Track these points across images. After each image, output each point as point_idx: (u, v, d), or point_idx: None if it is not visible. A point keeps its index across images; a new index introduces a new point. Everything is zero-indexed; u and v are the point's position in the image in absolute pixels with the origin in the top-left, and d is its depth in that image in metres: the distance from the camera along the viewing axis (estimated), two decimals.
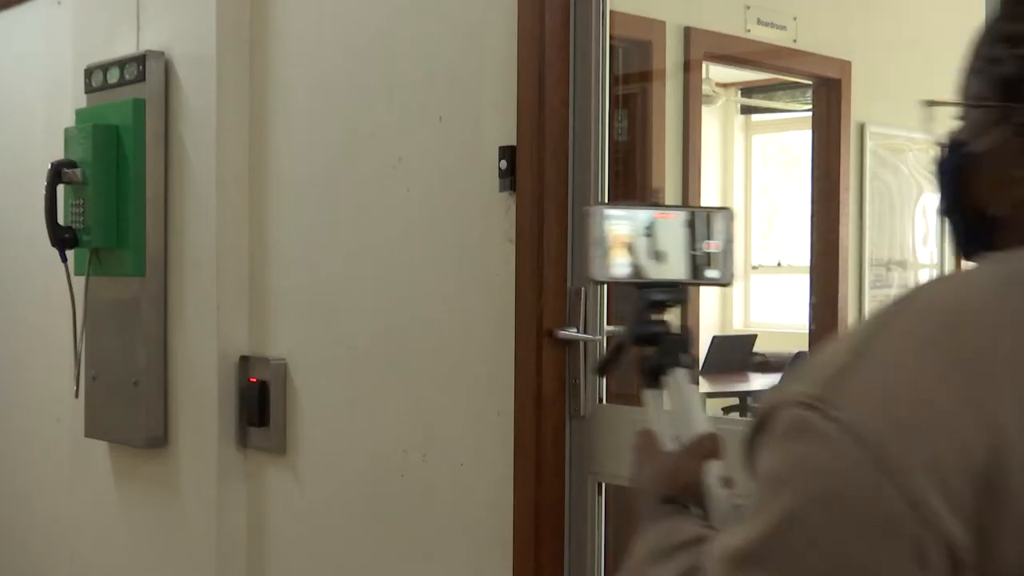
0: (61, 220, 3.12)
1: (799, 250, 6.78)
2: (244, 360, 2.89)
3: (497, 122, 2.36)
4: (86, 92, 3.22)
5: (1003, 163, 0.90)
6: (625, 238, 1.27)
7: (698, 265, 1.31)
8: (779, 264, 7.54)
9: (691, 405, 1.26)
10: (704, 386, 5.33)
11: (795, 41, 4.30)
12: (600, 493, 2.30)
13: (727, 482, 1.16)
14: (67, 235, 3.08)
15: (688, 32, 4.03)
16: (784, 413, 0.83)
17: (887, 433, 0.78)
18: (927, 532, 0.77)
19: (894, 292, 4.68)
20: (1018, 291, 0.85)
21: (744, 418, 5.51)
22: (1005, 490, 0.77)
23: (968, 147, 0.93)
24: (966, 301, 0.85)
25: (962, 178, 0.95)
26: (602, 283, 1.37)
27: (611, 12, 2.29)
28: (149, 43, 3.08)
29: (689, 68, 4.08)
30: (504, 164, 2.32)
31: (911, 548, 0.77)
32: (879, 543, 0.78)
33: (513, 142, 2.32)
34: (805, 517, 0.79)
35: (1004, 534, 0.77)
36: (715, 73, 6.53)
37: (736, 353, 6.45)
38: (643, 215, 1.28)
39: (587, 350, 2.28)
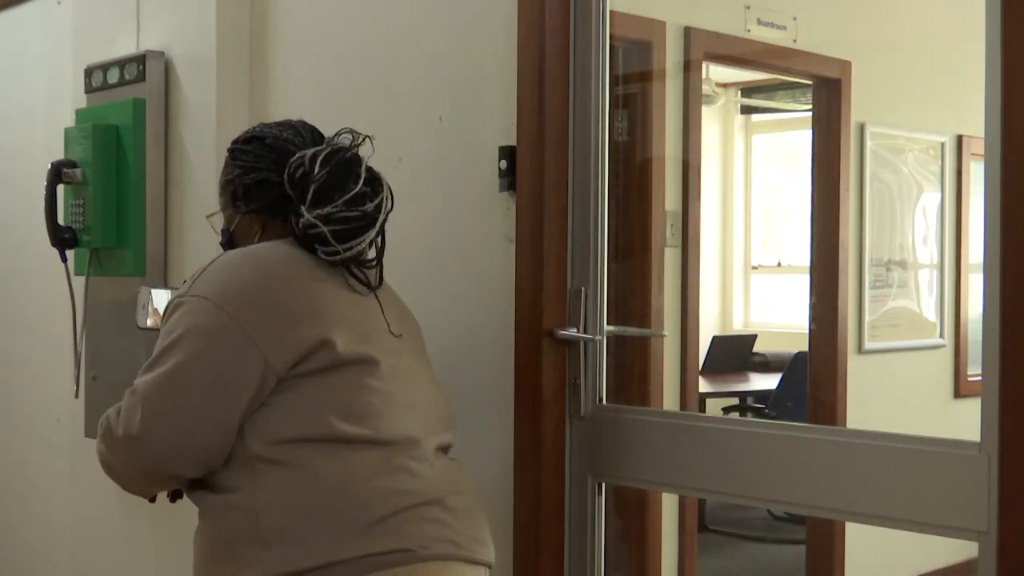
0: (61, 220, 3.12)
1: (799, 250, 6.79)
2: None
3: (497, 122, 2.36)
4: (86, 92, 3.22)
5: (244, 229, 2.01)
6: (153, 305, 2.42)
7: None
8: (779, 264, 7.54)
9: None
10: (704, 386, 5.32)
11: (795, 41, 4.30)
12: (600, 493, 2.30)
13: None
14: (67, 235, 3.08)
15: (688, 32, 4.03)
16: (171, 304, 1.85)
17: (221, 298, 1.79)
18: (251, 345, 1.76)
19: (894, 292, 4.69)
20: (276, 249, 1.91)
21: (745, 418, 5.52)
22: (284, 327, 1.79)
23: (227, 229, 2.05)
24: (255, 248, 1.93)
25: (231, 237, 2.03)
26: (143, 329, 2.44)
27: (611, 12, 2.29)
28: (149, 43, 3.09)
29: (689, 68, 4.07)
30: (504, 164, 2.32)
31: (244, 352, 1.76)
32: (229, 350, 1.76)
33: (513, 142, 2.32)
34: (185, 337, 1.77)
35: (283, 347, 1.77)
36: (715, 73, 6.53)
37: (736, 353, 6.46)
38: (171, 293, 2.18)
39: (587, 350, 2.28)
